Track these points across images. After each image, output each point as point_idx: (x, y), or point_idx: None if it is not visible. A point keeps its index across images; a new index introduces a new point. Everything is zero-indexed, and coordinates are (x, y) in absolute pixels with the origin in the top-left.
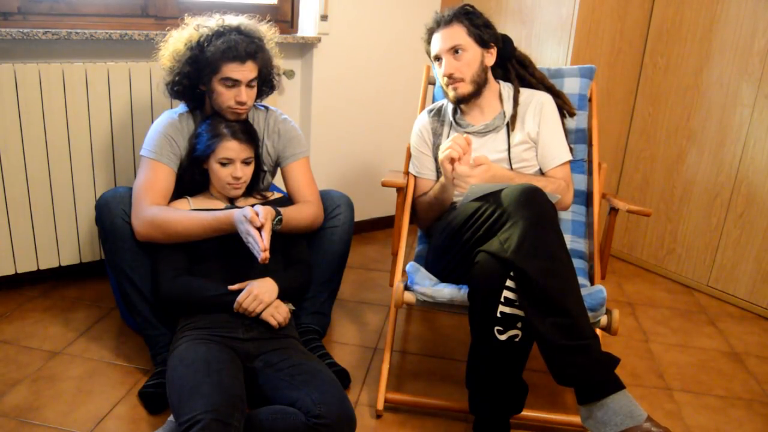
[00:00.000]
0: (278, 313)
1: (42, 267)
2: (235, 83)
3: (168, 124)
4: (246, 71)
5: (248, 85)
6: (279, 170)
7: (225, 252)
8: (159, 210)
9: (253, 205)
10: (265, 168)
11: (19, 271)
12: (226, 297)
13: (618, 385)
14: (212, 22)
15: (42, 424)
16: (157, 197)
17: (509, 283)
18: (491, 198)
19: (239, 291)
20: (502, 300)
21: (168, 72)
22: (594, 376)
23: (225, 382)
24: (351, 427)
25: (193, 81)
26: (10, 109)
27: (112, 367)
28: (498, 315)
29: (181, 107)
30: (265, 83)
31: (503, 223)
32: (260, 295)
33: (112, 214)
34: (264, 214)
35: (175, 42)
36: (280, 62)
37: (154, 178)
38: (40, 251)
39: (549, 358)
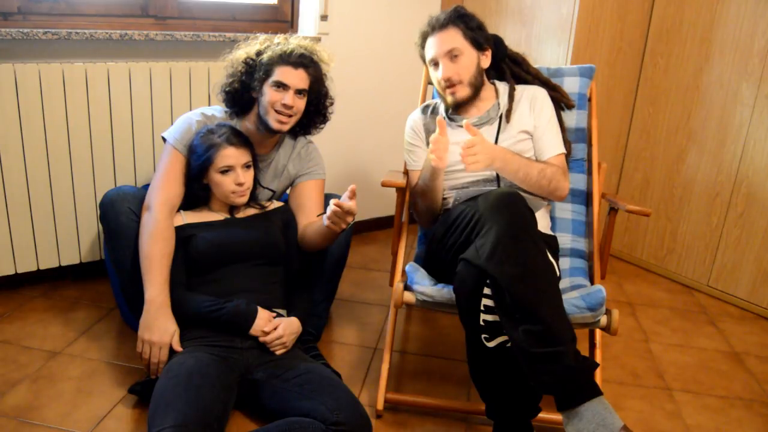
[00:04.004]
0: (287, 347)
1: (42, 267)
2: (284, 87)
3: (200, 114)
4: (297, 77)
5: (297, 92)
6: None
7: (225, 265)
8: (154, 244)
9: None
10: (274, 189)
11: (19, 271)
12: (219, 312)
13: (593, 392)
14: (276, 39)
15: (42, 424)
16: (167, 197)
17: (487, 290)
18: (473, 202)
19: (231, 303)
20: (482, 308)
21: (226, 76)
22: (566, 384)
23: (202, 399)
24: (369, 429)
25: (245, 85)
26: (10, 109)
27: (112, 367)
28: (482, 323)
29: (217, 109)
30: (317, 112)
31: (480, 229)
32: (287, 341)
33: (117, 212)
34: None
35: (239, 50)
36: (332, 94)
37: (171, 170)
38: (40, 251)
39: (524, 365)
